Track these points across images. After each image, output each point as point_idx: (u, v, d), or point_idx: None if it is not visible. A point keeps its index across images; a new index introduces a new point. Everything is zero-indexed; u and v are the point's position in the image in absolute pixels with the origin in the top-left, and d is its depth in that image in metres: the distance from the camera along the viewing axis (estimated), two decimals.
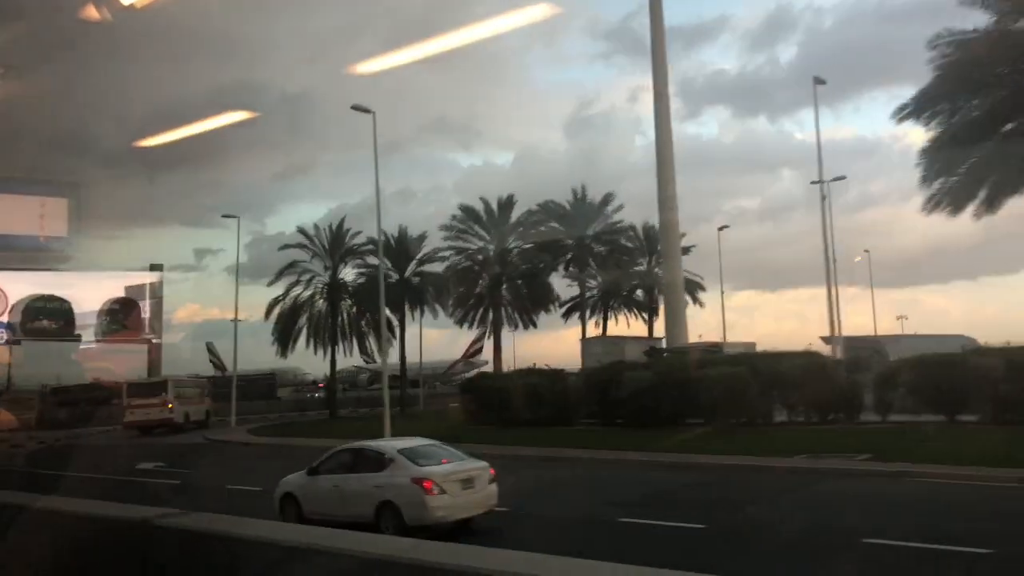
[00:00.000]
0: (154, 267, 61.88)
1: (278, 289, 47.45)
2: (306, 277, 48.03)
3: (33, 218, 10.39)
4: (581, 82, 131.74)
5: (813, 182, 42.91)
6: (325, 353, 47.93)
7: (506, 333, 49.11)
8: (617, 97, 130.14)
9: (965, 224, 26.64)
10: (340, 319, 47.98)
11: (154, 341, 59.72)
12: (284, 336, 47.59)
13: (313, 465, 13.48)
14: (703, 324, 64.86)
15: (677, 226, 35.37)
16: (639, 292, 51.31)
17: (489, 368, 49.00)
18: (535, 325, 48.79)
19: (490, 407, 31.01)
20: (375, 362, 57.79)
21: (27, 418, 42.74)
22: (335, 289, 47.75)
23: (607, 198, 46.98)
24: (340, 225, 49.05)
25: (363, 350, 48.93)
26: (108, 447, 36.79)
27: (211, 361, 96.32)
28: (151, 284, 60.79)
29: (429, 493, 11.74)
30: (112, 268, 59.93)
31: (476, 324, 49.17)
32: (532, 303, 45.60)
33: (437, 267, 48.41)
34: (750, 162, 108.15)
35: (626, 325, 50.29)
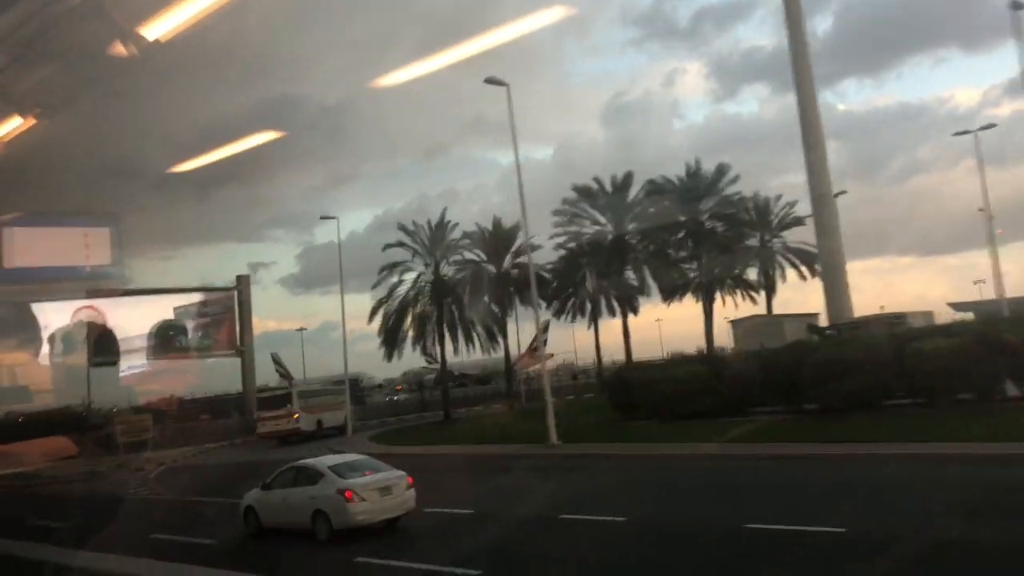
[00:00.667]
0: (240, 278, 61.17)
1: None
2: (410, 275, 45.68)
3: (78, 248, 10.87)
4: (615, 71, 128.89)
5: (957, 133, 39.31)
6: (436, 350, 45.60)
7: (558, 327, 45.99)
8: (652, 83, 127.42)
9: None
10: (445, 316, 45.54)
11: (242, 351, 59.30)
12: (391, 337, 45.33)
13: (267, 481, 15.57)
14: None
15: (832, 194, 31.97)
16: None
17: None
18: (635, 312, 45.89)
19: (641, 400, 28.20)
20: (436, 362, 56.00)
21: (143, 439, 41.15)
22: (439, 285, 45.28)
23: (721, 169, 43.53)
24: (441, 220, 46.56)
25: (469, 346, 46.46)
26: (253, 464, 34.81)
27: (277, 371, 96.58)
28: (238, 294, 59.95)
29: (350, 501, 13.86)
30: (186, 286, 59.55)
31: (576, 314, 46.45)
32: (658, 285, 42.26)
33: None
34: (793, 137, 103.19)
35: (734, 306, 46.78)
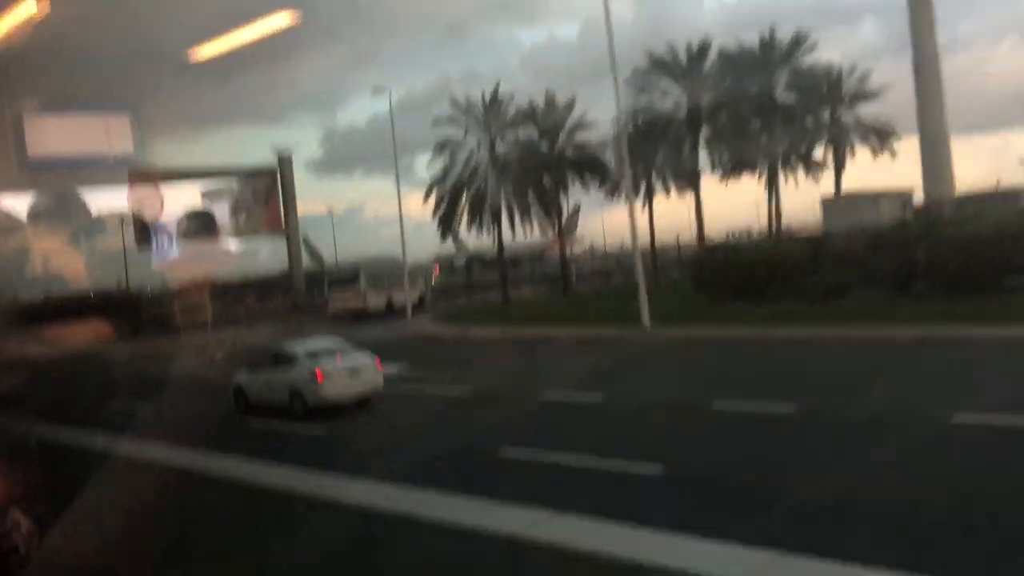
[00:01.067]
0: (282, 159, 59.36)
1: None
2: (462, 154, 43.66)
3: (99, 137, 10.78)
4: None
5: None
6: (487, 232, 44.10)
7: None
8: None
9: None
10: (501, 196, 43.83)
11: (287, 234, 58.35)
12: (447, 219, 43.88)
13: (252, 364, 17.46)
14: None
15: (938, 59, 29.21)
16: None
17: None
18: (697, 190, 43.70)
19: (731, 282, 26.83)
20: (466, 247, 54.76)
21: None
22: (495, 163, 43.33)
23: (799, 38, 40.34)
24: (495, 95, 44.12)
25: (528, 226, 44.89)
26: None
27: (308, 253, 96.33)
28: (280, 176, 58.35)
29: (321, 382, 15.52)
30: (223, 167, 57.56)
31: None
32: (730, 161, 39.91)
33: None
34: (829, 14, 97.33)
35: (795, 185, 44.41)
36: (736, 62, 40.89)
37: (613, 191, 45.57)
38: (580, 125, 44.77)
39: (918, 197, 31.20)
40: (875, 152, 44.74)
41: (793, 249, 25.80)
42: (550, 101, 45.29)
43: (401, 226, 42.04)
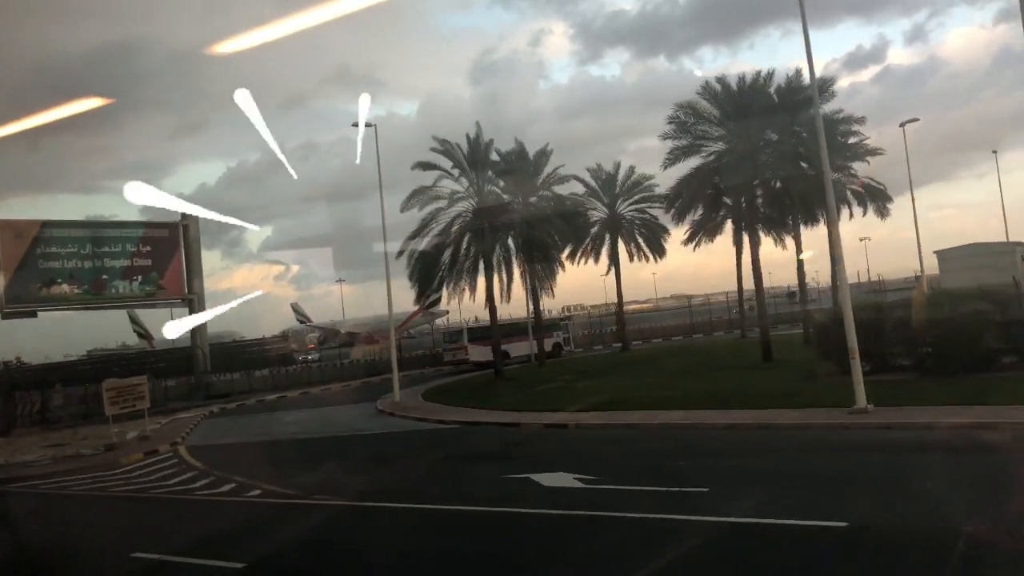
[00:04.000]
0: (185, 216, 49.30)
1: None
2: (444, 203, 36.71)
3: None
4: (483, 27, 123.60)
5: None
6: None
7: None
8: (519, 42, 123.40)
9: None
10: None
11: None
12: (426, 278, 36.40)
13: None
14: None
15: None
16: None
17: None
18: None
19: (881, 347, 21.48)
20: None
21: None
22: (484, 215, 36.55)
23: (825, 83, 36.72)
24: (478, 137, 37.87)
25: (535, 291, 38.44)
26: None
27: (135, 331, 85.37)
28: (184, 233, 48.25)
29: None
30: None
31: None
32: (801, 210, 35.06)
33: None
34: (652, 101, 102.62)
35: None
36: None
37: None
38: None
39: None
40: (880, 213, 42.04)
41: (977, 308, 20.67)
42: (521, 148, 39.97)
43: (388, 290, 34.18)
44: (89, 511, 17.05)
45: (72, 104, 10.26)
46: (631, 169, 48.80)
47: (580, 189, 45.72)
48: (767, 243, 45.87)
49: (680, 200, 33.38)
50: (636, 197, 49.10)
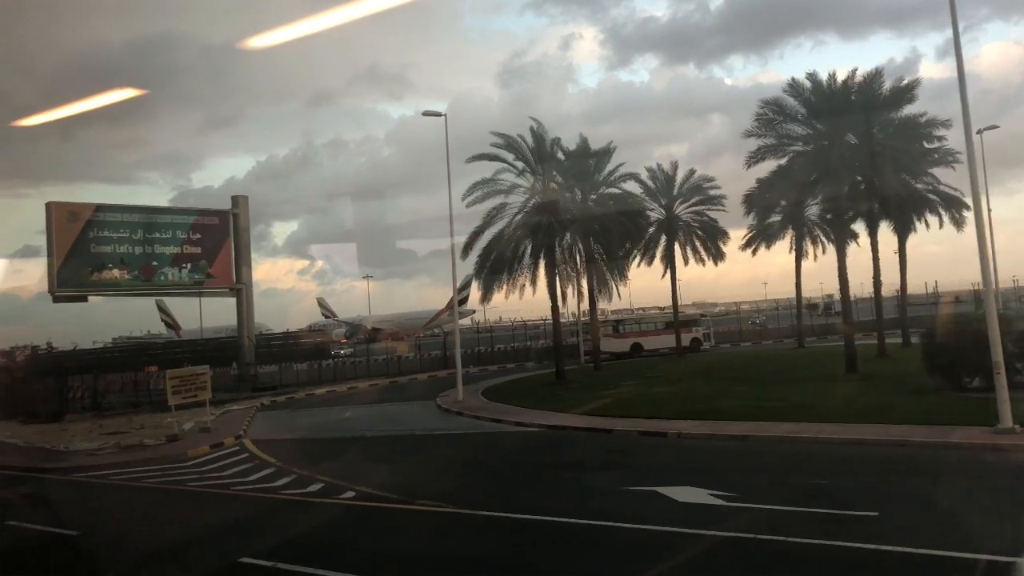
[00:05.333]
0: (238, 198, 48.63)
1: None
2: (505, 198, 35.66)
3: None
4: (513, 31, 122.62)
5: None
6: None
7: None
8: (549, 46, 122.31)
9: None
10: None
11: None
12: (493, 274, 35.34)
13: None
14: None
15: None
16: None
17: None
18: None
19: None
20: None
21: None
22: (548, 211, 35.35)
23: (909, 86, 34.99)
24: (540, 132, 36.78)
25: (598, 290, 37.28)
26: None
27: (163, 320, 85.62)
28: (235, 220, 47.54)
29: None
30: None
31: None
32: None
33: None
34: (680, 108, 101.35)
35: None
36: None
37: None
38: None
39: None
40: (956, 223, 40.44)
41: None
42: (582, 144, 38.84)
43: (454, 275, 33.19)
44: (175, 507, 16.08)
45: (107, 94, 10.49)
46: (691, 171, 47.69)
47: (635, 189, 44.73)
48: (811, 248, 45.02)
49: (765, 197, 32.04)
50: (694, 199, 47.90)
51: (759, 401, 23.21)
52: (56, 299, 40.15)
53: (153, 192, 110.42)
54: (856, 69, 31.86)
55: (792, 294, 50.45)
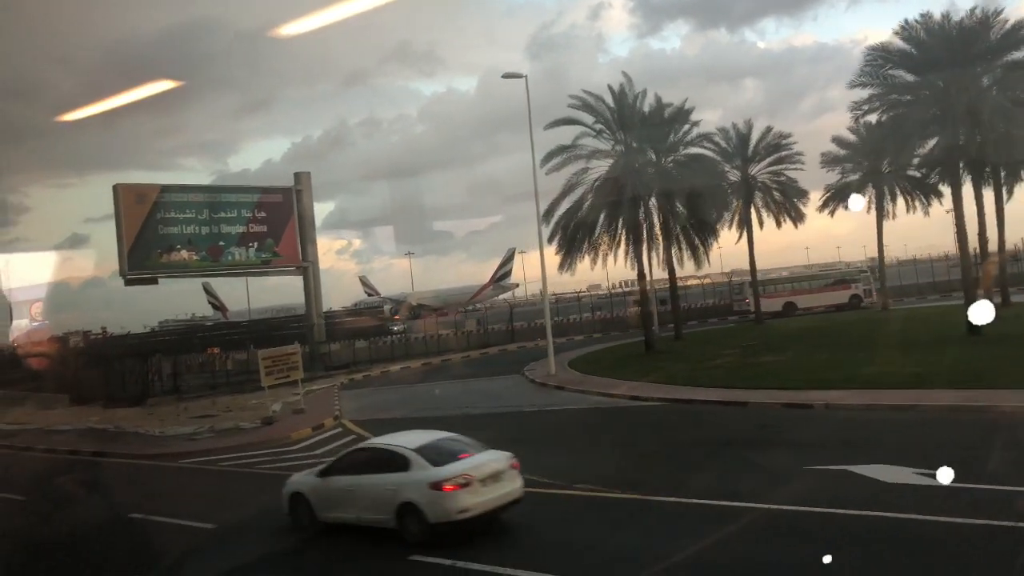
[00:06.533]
0: (300, 176, 47.77)
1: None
2: (573, 166, 34.14)
3: None
4: (540, 2, 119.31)
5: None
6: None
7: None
8: (578, 16, 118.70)
9: None
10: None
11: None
12: (574, 243, 33.97)
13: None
14: None
15: None
16: None
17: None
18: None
19: None
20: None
21: None
22: (632, 176, 33.73)
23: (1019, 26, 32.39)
24: (623, 91, 35.07)
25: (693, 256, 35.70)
26: None
27: (210, 303, 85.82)
28: (298, 197, 46.69)
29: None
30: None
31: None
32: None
33: None
34: (713, 74, 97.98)
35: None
36: None
37: None
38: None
39: None
40: None
41: None
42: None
43: (542, 256, 31.96)
44: None
45: (146, 86, 10.89)
46: (767, 128, 45.49)
47: (708, 152, 42.93)
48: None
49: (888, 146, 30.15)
50: (771, 158, 45.80)
51: (884, 367, 21.58)
52: (128, 282, 39.66)
53: (193, 178, 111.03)
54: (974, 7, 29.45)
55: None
